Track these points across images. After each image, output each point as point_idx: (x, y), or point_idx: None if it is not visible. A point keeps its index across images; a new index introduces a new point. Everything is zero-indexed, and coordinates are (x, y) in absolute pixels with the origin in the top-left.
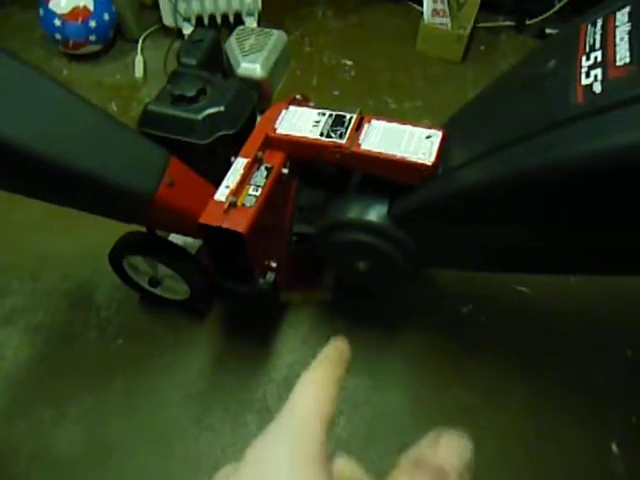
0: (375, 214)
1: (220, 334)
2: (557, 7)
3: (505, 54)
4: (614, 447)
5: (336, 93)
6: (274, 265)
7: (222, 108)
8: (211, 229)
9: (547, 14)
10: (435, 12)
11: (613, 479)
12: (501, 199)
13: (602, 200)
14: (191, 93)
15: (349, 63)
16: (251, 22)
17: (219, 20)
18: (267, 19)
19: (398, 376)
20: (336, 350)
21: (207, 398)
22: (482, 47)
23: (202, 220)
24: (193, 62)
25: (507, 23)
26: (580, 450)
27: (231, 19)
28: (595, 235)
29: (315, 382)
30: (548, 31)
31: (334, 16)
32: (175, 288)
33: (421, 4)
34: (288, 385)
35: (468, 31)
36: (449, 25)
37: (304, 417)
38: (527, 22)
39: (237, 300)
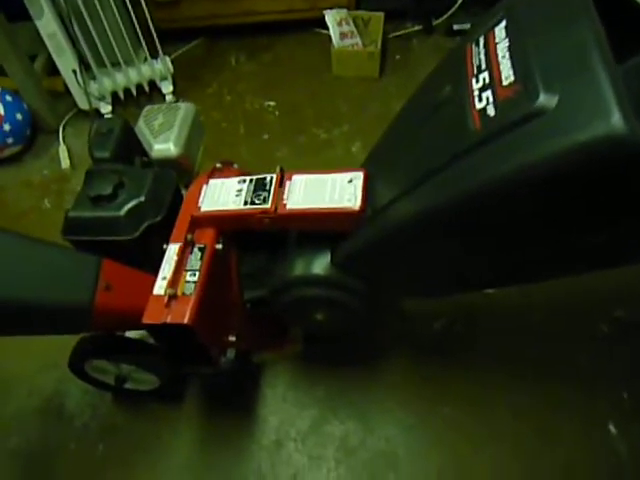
0: (319, 266)
1: (201, 413)
2: (460, 2)
3: (420, 58)
4: (612, 428)
5: (265, 137)
6: (233, 339)
7: (142, 198)
8: (156, 327)
9: (451, 11)
10: (343, 35)
11: (617, 459)
12: (425, 233)
13: (523, 218)
14: (108, 191)
15: (272, 104)
16: (167, 86)
17: (134, 92)
18: (182, 79)
19: (386, 411)
20: None
21: None
22: (397, 57)
23: (145, 320)
24: (106, 155)
25: (416, 28)
26: (579, 440)
27: (146, 88)
28: (531, 248)
29: None
30: (456, 27)
31: (247, 59)
32: (144, 379)
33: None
34: (280, 449)
35: (379, 45)
36: (360, 44)
37: None
38: (434, 23)
39: (206, 378)
